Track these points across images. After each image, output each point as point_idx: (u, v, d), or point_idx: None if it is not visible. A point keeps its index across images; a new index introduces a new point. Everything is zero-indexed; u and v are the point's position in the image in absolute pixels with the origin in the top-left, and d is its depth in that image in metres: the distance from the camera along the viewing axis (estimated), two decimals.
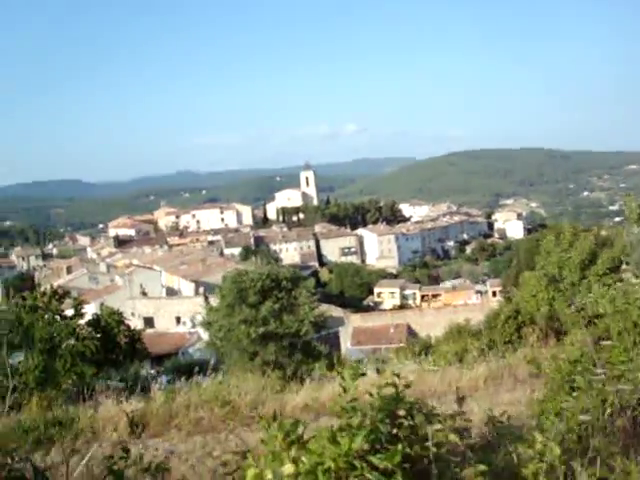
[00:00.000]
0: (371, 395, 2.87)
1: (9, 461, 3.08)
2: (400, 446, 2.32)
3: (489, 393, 12.75)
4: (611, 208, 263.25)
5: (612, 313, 5.46)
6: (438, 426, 2.54)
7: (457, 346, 16.89)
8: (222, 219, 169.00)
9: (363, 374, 2.99)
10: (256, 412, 12.70)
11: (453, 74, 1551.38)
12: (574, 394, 5.69)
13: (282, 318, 27.71)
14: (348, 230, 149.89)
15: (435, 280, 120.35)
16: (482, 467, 2.47)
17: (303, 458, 2.36)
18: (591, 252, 23.95)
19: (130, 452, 3.58)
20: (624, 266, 28.07)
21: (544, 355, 14.57)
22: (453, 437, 2.46)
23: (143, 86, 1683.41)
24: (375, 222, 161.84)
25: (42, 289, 17.99)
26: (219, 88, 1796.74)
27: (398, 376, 3.01)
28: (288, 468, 2.34)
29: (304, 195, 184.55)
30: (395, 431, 2.47)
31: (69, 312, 16.67)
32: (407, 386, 2.89)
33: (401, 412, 2.61)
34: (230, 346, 27.15)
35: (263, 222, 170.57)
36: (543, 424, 3.77)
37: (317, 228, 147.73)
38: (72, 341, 14.23)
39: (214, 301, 50.97)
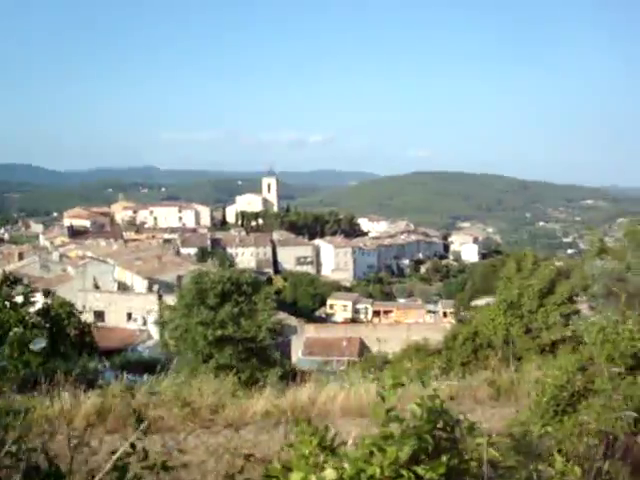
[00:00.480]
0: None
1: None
2: (444, 458, 2.32)
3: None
4: (564, 240, 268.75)
5: (601, 342, 5.57)
6: (480, 440, 2.55)
7: (419, 364, 16.99)
8: (180, 218, 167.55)
9: (402, 384, 2.98)
10: (217, 415, 12.65)
11: (421, 96, 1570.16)
12: (558, 417, 5.80)
13: (240, 322, 27.52)
14: (306, 240, 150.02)
15: (388, 296, 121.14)
16: None
17: (345, 465, 2.35)
18: (550, 281, 24.41)
19: (136, 448, 3.51)
20: (579, 297, 28.76)
21: (504, 379, 14.79)
22: (493, 452, 2.47)
23: (111, 76, 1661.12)
24: (333, 234, 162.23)
25: None
26: (185, 87, 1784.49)
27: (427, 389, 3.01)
28: (330, 474, 2.32)
29: (265, 201, 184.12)
30: (436, 443, 2.47)
31: (18, 299, 16.27)
32: (452, 398, 2.88)
33: (440, 424, 2.61)
34: (185, 347, 26.86)
35: (221, 224, 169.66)
36: (549, 444, 3.81)
37: (275, 235, 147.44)
38: (20, 329, 13.89)
39: (169, 300, 50.48)
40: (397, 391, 2.84)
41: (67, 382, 12.35)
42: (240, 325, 27.35)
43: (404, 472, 2.26)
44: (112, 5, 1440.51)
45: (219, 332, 26.41)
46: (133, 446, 3.50)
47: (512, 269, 24.86)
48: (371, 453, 2.40)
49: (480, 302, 23.39)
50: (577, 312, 25.15)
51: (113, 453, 3.44)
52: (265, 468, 2.76)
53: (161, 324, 30.66)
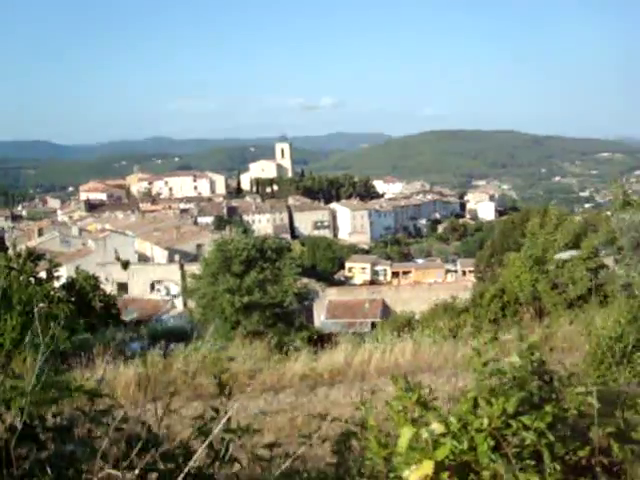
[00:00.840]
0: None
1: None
2: (549, 407, 2.37)
3: None
4: (581, 194, 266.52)
5: None
6: (580, 389, 2.60)
7: (452, 322, 17.09)
8: (195, 187, 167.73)
9: (496, 338, 3.02)
10: (254, 380, 12.82)
11: (430, 55, 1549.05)
12: (614, 369, 5.85)
13: (266, 288, 27.71)
14: (322, 204, 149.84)
15: (406, 257, 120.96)
16: (610, 429, 2.54)
17: (451, 418, 2.40)
18: (575, 236, 24.29)
19: (219, 412, 3.59)
20: (604, 251, 28.61)
21: (536, 333, 14.86)
22: (592, 400, 2.52)
23: (119, 50, 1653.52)
24: (349, 197, 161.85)
25: (17, 250, 17.71)
26: (193, 55, 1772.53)
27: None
28: (438, 427, 2.38)
29: (279, 167, 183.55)
30: (538, 393, 2.52)
31: (42, 274, 16.42)
32: (551, 349, 2.93)
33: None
34: (213, 314, 27.10)
35: (236, 192, 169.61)
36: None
37: (291, 200, 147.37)
38: (46, 304, 14.03)
39: (191, 269, 50.81)
40: (495, 345, 2.88)
41: (104, 354, 12.57)
42: (266, 291, 27.54)
43: (513, 423, 2.31)
44: None
45: (246, 299, 26.63)
46: (217, 410, 3.57)
47: (536, 225, 24.73)
48: (474, 406, 2.45)
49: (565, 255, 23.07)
50: (603, 266, 25.07)
51: (196, 419, 3.51)
52: (359, 425, 2.82)
53: (188, 293, 30.89)
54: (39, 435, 2.65)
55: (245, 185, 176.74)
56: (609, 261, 27.82)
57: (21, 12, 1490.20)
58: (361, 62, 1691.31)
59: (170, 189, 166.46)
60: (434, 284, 63.37)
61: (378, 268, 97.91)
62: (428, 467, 2.27)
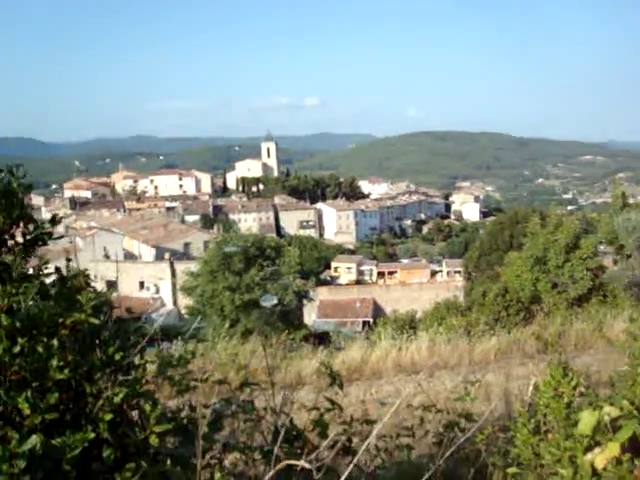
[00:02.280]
0: None
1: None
2: None
3: (501, 366, 12.98)
4: (564, 196, 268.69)
5: None
6: None
7: (465, 320, 17.11)
8: (180, 186, 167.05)
9: None
10: (272, 377, 12.75)
11: (416, 56, 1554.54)
12: None
13: (266, 286, 27.62)
14: (307, 204, 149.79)
15: (391, 258, 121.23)
16: None
17: (624, 402, 2.37)
18: (575, 236, 24.45)
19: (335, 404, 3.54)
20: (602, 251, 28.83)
21: (550, 332, 14.90)
22: None
23: (103, 47, 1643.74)
24: (335, 197, 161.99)
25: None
26: (178, 54, 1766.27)
27: None
28: (613, 410, 2.35)
29: (264, 166, 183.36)
30: None
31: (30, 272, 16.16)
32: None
33: None
34: (212, 312, 26.97)
35: (222, 191, 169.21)
36: None
37: (277, 200, 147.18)
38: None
39: (180, 267, 50.55)
40: None
41: None
42: (266, 289, 27.45)
43: None
44: None
45: (246, 297, 26.53)
46: (332, 402, 3.52)
47: (537, 225, 24.86)
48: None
49: None
50: (602, 266, 25.27)
51: (311, 410, 3.46)
52: (520, 412, 2.77)
53: (186, 290, 30.73)
54: (188, 426, 2.58)
55: (231, 184, 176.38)
56: (607, 261, 28.12)
57: (5, 9, 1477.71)
58: (346, 63, 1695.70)
59: (155, 187, 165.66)
60: (424, 284, 63.59)
61: (364, 268, 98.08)
62: (614, 449, 2.23)
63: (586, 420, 2.32)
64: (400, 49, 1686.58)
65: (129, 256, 72.66)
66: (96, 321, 2.30)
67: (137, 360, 2.43)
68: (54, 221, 2.67)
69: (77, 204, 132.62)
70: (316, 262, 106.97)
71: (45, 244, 2.62)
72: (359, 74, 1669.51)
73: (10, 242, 2.51)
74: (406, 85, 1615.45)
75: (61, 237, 2.91)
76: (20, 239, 2.56)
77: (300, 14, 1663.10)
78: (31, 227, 2.58)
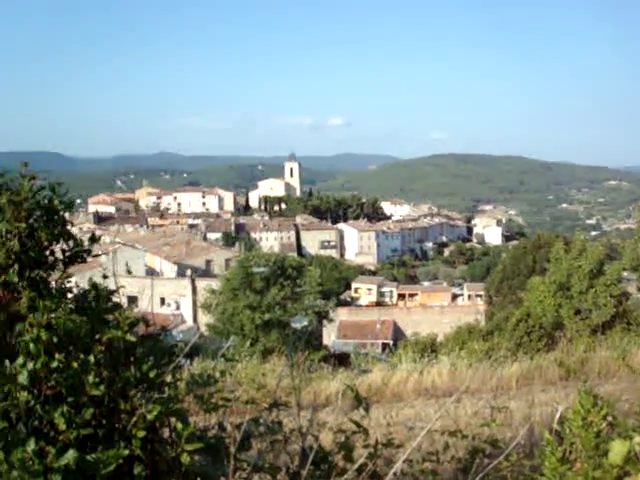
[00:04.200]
0: None
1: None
2: None
3: (523, 392, 12.86)
4: (588, 222, 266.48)
5: None
6: None
7: (485, 345, 17.00)
8: (203, 203, 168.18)
9: None
10: (298, 398, 12.73)
11: (440, 78, 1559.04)
12: None
13: (286, 306, 27.62)
14: (329, 224, 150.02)
15: (412, 280, 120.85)
16: None
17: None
18: (600, 262, 24.24)
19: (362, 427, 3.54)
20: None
21: (573, 359, 14.73)
22: None
23: (130, 63, 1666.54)
24: (356, 218, 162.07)
25: None
26: (203, 72, 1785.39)
27: None
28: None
29: (287, 185, 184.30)
30: None
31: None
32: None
33: None
34: (232, 330, 27.01)
35: (245, 209, 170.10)
36: None
37: (298, 219, 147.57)
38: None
39: (201, 284, 50.72)
40: None
41: None
42: (286, 309, 27.45)
43: None
44: None
45: (266, 316, 26.55)
46: (358, 424, 3.52)
47: (561, 250, 24.68)
48: None
49: None
50: (625, 293, 25.01)
51: (337, 433, 3.47)
52: (546, 439, 2.76)
53: (206, 308, 30.82)
54: (220, 445, 2.60)
55: (253, 203, 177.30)
56: (631, 288, 27.83)
57: (31, 26, 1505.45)
58: (370, 84, 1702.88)
59: (179, 204, 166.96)
60: (446, 307, 63.24)
61: (384, 289, 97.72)
62: None
63: (617, 450, 2.31)
64: (425, 71, 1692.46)
65: (151, 272, 73.07)
66: (133, 338, 2.33)
67: (169, 378, 2.46)
68: (93, 239, 2.72)
69: (100, 219, 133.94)
70: (336, 282, 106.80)
71: (84, 261, 2.67)
72: (384, 95, 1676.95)
73: (50, 258, 2.56)
74: (430, 107, 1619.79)
75: (99, 255, 2.96)
76: (60, 255, 2.61)
77: (325, 36, 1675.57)
78: (71, 244, 2.63)
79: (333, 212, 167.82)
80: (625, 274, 28.07)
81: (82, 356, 2.22)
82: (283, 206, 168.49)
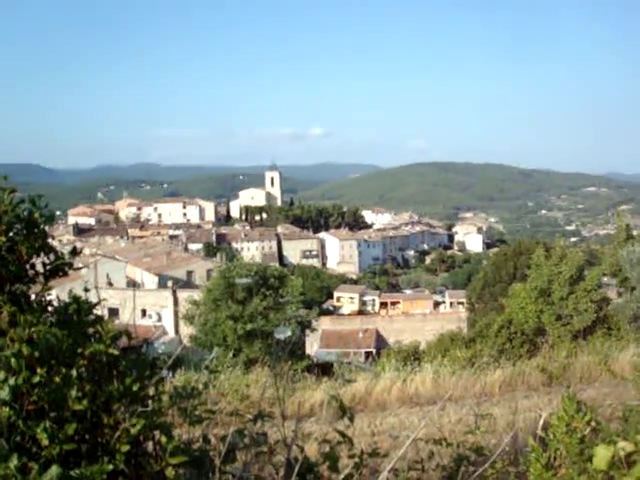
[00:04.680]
0: None
1: None
2: None
3: (506, 399, 12.91)
4: (567, 228, 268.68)
5: None
6: None
7: (468, 352, 17.05)
8: (184, 214, 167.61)
9: None
10: (283, 409, 12.67)
11: (421, 86, 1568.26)
12: None
13: (269, 316, 27.55)
14: (310, 233, 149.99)
15: (394, 288, 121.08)
16: None
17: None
18: (580, 268, 24.43)
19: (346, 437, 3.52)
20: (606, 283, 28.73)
21: (555, 365, 14.81)
22: None
23: (109, 74, 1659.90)
24: (338, 227, 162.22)
25: None
26: (183, 82, 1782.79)
27: None
28: (627, 446, 2.35)
29: (268, 195, 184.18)
30: None
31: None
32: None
33: None
34: (214, 341, 26.89)
35: (226, 220, 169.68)
36: None
37: (280, 229, 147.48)
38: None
39: (183, 295, 50.46)
40: None
41: None
42: (269, 319, 27.37)
43: None
44: (110, 2, 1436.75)
45: (249, 326, 26.46)
46: (343, 434, 3.50)
47: (541, 256, 24.85)
48: None
49: None
50: (606, 298, 25.20)
51: (322, 443, 3.45)
52: (531, 445, 2.77)
53: (188, 319, 30.66)
54: (204, 458, 2.58)
55: (234, 213, 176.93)
56: (611, 293, 28.04)
57: (9, 39, 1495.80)
58: (350, 94, 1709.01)
59: (159, 215, 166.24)
60: (428, 315, 63.39)
61: (366, 298, 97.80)
62: None
63: (601, 455, 2.31)
64: (405, 80, 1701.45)
65: (132, 284, 72.59)
66: (116, 352, 2.31)
67: (152, 391, 2.44)
68: (74, 252, 2.69)
69: (80, 231, 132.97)
70: (319, 292, 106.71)
71: (65, 274, 2.64)
72: (364, 105, 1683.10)
73: (31, 272, 2.53)
74: (410, 116, 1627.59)
75: (80, 268, 2.93)
76: (40, 269, 2.58)
77: (304, 46, 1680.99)
78: (52, 257, 2.61)
79: (314, 221, 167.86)
80: (605, 279, 28.31)
81: (64, 370, 2.20)
82: (264, 216, 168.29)
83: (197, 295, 32.18)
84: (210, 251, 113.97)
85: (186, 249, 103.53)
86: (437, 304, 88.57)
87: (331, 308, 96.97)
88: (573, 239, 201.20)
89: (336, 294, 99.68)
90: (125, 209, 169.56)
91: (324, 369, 22.77)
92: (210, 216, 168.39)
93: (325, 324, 56.08)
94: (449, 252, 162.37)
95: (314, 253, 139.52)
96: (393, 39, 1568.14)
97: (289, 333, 3.16)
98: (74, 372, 2.18)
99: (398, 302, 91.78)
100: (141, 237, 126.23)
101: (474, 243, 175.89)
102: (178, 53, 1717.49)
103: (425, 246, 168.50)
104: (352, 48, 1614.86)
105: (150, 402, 2.35)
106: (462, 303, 67.55)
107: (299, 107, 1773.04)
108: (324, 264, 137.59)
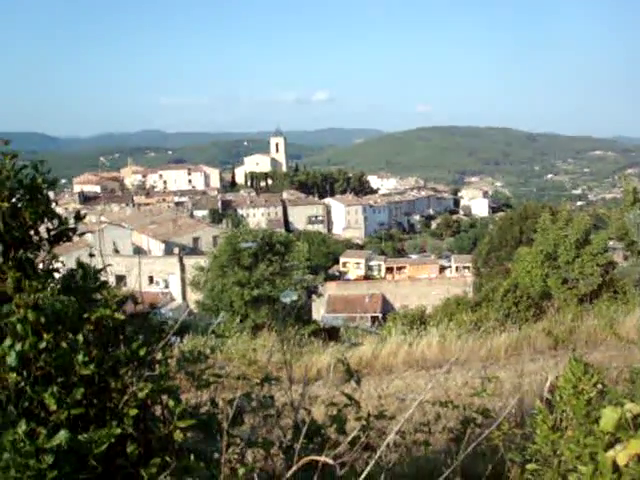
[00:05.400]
0: None
1: None
2: None
3: (512, 362, 12.96)
4: (574, 192, 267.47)
5: None
6: None
7: (474, 316, 17.10)
8: (189, 181, 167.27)
9: None
10: (290, 373, 12.76)
11: (424, 52, 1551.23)
12: None
13: (275, 282, 27.64)
14: (316, 199, 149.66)
15: (400, 253, 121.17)
16: None
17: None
18: (586, 232, 24.36)
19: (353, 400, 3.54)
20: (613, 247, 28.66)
21: (560, 329, 14.84)
22: None
23: (111, 42, 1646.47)
24: (343, 192, 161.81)
25: None
26: (187, 49, 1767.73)
27: None
28: (634, 407, 2.35)
29: (273, 161, 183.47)
30: None
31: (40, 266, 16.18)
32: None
33: None
34: (221, 307, 27.02)
35: (231, 186, 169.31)
36: None
37: (285, 195, 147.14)
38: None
39: (189, 262, 50.63)
40: None
41: None
42: (275, 284, 27.47)
43: None
44: None
45: (255, 292, 26.57)
46: (350, 397, 3.51)
47: (547, 220, 24.77)
48: None
49: None
50: (612, 262, 25.16)
51: (329, 406, 3.46)
52: (537, 407, 2.77)
53: (196, 285, 30.78)
54: (212, 421, 2.59)
55: (240, 179, 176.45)
56: (617, 257, 27.99)
57: (14, 9, 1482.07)
58: (354, 58, 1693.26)
59: (164, 182, 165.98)
60: (434, 279, 63.51)
61: (372, 263, 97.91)
62: (637, 446, 2.23)
63: (608, 417, 2.31)
64: (410, 44, 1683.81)
65: (138, 251, 72.82)
66: (121, 317, 2.31)
67: (160, 355, 2.44)
68: (78, 217, 2.68)
69: (86, 199, 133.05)
70: (324, 257, 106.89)
71: (70, 240, 2.63)
72: (368, 70, 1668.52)
73: (35, 238, 2.52)
74: (415, 80, 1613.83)
75: (85, 233, 2.91)
76: (44, 235, 2.57)
77: (309, 10, 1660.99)
78: (55, 223, 2.59)
79: (320, 187, 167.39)
80: (611, 243, 28.22)
81: (71, 336, 2.20)
82: (269, 182, 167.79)
83: (204, 262, 32.27)
84: (216, 218, 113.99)
85: (192, 216, 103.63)
86: (443, 269, 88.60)
87: (337, 273, 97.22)
88: (579, 203, 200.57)
89: (342, 259, 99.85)
90: (130, 176, 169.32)
91: (331, 333, 22.91)
92: (215, 183, 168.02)
93: (331, 289, 56.27)
94: (455, 217, 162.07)
95: (320, 219, 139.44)
96: (397, 2, 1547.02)
97: (295, 297, 3.16)
98: (80, 337, 2.18)
99: (404, 267, 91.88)
100: (147, 204, 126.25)
101: (480, 207, 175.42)
102: (182, 21, 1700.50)
103: (431, 211, 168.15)
104: (356, 13, 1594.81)
105: (157, 366, 2.35)
106: (468, 267, 67.60)
107: (303, 72, 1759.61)
108: (330, 230, 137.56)
